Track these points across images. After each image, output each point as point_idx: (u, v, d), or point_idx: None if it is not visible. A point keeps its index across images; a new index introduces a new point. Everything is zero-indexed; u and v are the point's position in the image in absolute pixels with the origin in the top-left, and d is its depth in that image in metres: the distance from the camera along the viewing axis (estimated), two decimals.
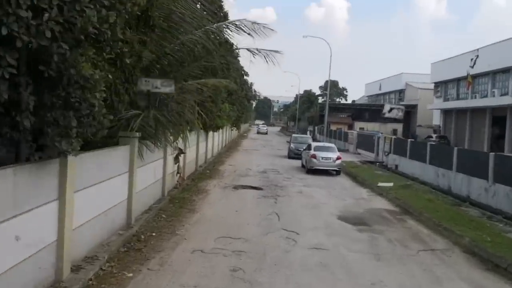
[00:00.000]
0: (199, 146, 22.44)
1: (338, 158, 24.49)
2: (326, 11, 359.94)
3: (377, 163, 30.39)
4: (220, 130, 33.21)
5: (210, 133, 25.66)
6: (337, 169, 24.64)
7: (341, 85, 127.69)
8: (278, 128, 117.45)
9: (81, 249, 7.82)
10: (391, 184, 19.83)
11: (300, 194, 17.80)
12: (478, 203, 17.14)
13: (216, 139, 31.67)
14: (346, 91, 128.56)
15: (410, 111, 67.97)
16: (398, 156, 28.57)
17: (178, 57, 12.68)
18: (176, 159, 16.01)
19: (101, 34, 5.70)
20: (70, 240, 7.06)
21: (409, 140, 27.31)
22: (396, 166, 28.63)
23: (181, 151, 16.03)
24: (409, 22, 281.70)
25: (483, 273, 9.18)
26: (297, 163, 28.73)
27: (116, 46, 6.68)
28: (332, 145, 27.24)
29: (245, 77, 40.15)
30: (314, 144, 26.70)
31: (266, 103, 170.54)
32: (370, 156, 35.89)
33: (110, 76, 7.82)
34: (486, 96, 46.66)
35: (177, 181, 16.54)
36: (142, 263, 8.48)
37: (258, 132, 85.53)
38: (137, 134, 10.57)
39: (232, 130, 44.67)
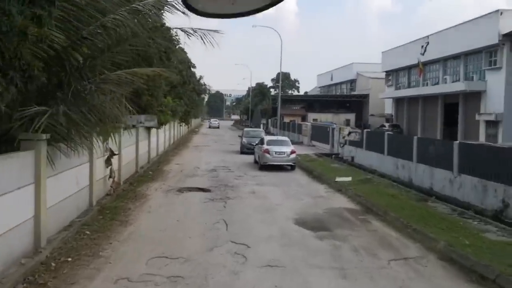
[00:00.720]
0: (139, 145, 20.28)
1: (292, 152, 22.92)
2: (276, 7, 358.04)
3: (333, 156, 29.11)
4: (166, 126, 31.06)
5: (153, 130, 23.50)
6: (292, 163, 23.08)
7: (293, 77, 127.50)
8: (231, 122, 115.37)
9: None
10: (349, 179, 18.41)
11: (253, 194, 16.05)
12: (443, 196, 15.96)
13: (162, 136, 29.47)
14: (298, 83, 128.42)
15: (362, 101, 67.74)
16: (354, 148, 27.36)
17: (99, 41, 10.58)
18: (108, 162, 13.89)
19: None
20: None
21: (365, 130, 26.15)
22: (352, 158, 27.43)
23: (112, 153, 13.92)
24: (357, 14, 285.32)
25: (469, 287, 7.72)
26: (250, 158, 27.01)
27: None
28: (286, 138, 25.67)
29: (192, 69, 38.01)
30: (266, 138, 25.04)
31: (218, 97, 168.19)
32: (325, 148, 34.66)
33: None
34: (437, 83, 46.47)
35: (111, 186, 14.42)
36: None
37: (210, 127, 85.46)
38: (44, 136, 8.48)
39: (180, 125, 42.43)
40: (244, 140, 31.91)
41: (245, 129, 36.41)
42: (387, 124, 53.52)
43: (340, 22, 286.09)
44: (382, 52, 60.12)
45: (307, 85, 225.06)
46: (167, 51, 18.38)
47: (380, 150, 23.08)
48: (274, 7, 2.43)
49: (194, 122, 76.11)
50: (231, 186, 17.68)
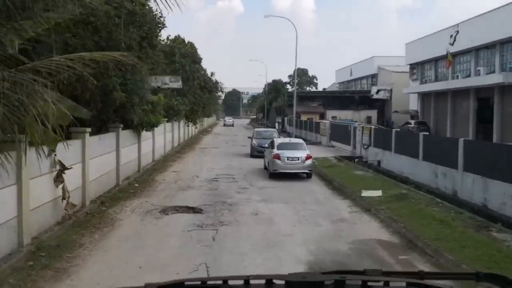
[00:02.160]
0: (124, 152, 16.81)
1: (308, 158, 19.20)
2: (292, 1, 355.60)
3: (356, 159, 25.26)
4: (167, 127, 27.63)
5: (145, 133, 20.02)
6: (308, 171, 19.37)
7: (310, 74, 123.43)
8: (248, 121, 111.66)
9: None
10: (379, 193, 14.63)
11: (255, 217, 12.42)
12: (504, 218, 12.11)
13: (161, 139, 26.02)
14: (316, 79, 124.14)
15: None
16: (381, 150, 23.50)
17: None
18: (58, 179, 10.42)
19: None
20: None
21: (394, 130, 22.30)
22: (379, 162, 23.58)
23: (63, 167, 10.44)
24: (376, 9, 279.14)
25: None
26: (260, 163, 23.36)
27: None
28: (300, 140, 21.83)
29: (200, 64, 34.47)
30: (277, 140, 21.21)
31: (235, 95, 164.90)
32: (346, 149, 30.83)
33: None
34: (469, 75, 42.17)
35: (65, 209, 10.95)
36: None
37: (225, 125, 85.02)
38: None
39: (188, 125, 39.01)
40: (255, 142, 28.27)
41: (256, 129, 32.62)
42: (412, 122, 49.34)
43: (358, 19, 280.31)
44: (406, 44, 55.89)
45: (326, 81, 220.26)
46: (148, 36, 14.83)
47: (414, 154, 19.24)
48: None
49: (207, 121, 72.77)
50: (230, 203, 14.07)
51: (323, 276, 1.71)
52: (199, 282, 1.74)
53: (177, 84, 16.95)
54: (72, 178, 11.59)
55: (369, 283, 1.72)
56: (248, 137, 30.72)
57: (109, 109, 14.01)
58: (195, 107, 37.77)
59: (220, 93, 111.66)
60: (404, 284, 1.75)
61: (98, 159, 13.77)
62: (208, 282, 1.75)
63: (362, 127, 27.47)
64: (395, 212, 12.03)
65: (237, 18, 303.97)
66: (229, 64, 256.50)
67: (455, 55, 43.65)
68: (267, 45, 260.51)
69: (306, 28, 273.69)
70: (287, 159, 19.03)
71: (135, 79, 14.52)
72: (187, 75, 30.06)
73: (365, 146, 25.71)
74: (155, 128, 23.20)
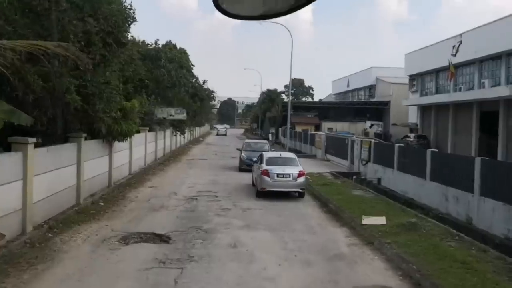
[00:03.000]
0: (84, 166, 14.48)
1: (300, 175, 16.96)
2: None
3: (354, 176, 23.07)
4: (148, 137, 25.39)
5: (119, 144, 17.76)
6: (300, 190, 17.13)
7: (307, 84, 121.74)
8: (242, 131, 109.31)
9: None
10: (383, 221, 12.41)
11: (233, 251, 10.15)
12: None
13: (140, 150, 23.79)
14: (313, 90, 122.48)
15: (383, 109, 61.52)
16: (382, 167, 21.35)
17: None
18: None
19: None
20: None
21: (397, 145, 20.11)
22: (379, 180, 21.42)
23: None
24: (373, 22, 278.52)
25: None
26: (249, 178, 21.11)
27: None
28: (292, 155, 19.48)
29: (186, 70, 32.32)
30: (267, 154, 18.85)
31: (230, 104, 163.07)
32: (343, 164, 28.67)
33: None
34: (472, 88, 40.21)
35: None
36: None
37: (218, 134, 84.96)
38: None
39: (175, 135, 36.73)
40: (244, 154, 26.04)
41: (246, 140, 30.30)
42: (411, 135, 47.34)
43: (355, 31, 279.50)
44: (406, 55, 54.02)
45: (322, 92, 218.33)
46: (114, 31, 12.61)
47: (420, 173, 17.09)
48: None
49: (199, 130, 70.54)
50: (206, 230, 11.82)
51: None
52: None
53: (182, 116, 17.34)
54: (8, 199, 9.38)
55: None
56: (237, 149, 28.46)
57: (65, 115, 11.76)
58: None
59: (214, 102, 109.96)
60: None
61: (48, 175, 11.50)
62: None
63: (361, 140, 25.30)
64: (405, 249, 9.80)
65: (234, 29, 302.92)
66: (225, 74, 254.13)
67: (457, 66, 41.74)
68: (263, 56, 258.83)
69: (303, 39, 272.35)
70: (277, 176, 16.80)
71: (99, 81, 12.30)
72: (173, 80, 27.85)
73: (364, 162, 23.55)
74: (133, 138, 21.08)
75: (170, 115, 15.85)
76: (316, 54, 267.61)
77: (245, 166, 25.15)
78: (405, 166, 18.69)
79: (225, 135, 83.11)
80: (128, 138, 17.43)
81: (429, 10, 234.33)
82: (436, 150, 17.87)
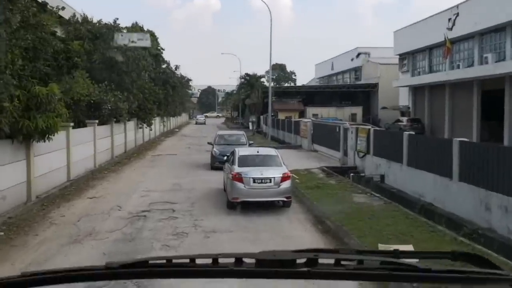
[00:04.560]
0: None
1: (285, 178, 12.59)
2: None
3: (350, 173, 18.81)
4: (98, 131, 20.83)
5: (42, 144, 13.18)
6: (285, 198, 12.76)
7: (289, 69, 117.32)
8: (223, 120, 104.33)
9: None
10: (409, 248, 8.10)
11: None
12: None
13: (88, 148, 19.23)
14: (295, 75, 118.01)
15: (369, 91, 57.49)
16: (386, 161, 17.14)
17: None
18: None
19: None
20: None
21: (408, 133, 15.75)
22: (382, 177, 17.24)
23: None
24: (352, 7, 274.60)
25: None
26: (221, 179, 16.85)
27: None
28: (272, 151, 14.63)
29: (147, 52, 27.59)
30: (239, 152, 14.04)
31: (211, 92, 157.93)
32: (334, 156, 24.47)
33: None
34: (472, 64, 36.20)
35: None
36: None
37: (197, 123, 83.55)
38: None
39: (140, 127, 32.07)
40: (216, 149, 21.58)
41: (218, 132, 25.57)
42: (404, 119, 43.30)
43: (336, 14, 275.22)
44: (394, 32, 49.81)
45: (305, 77, 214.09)
46: None
47: (442, 170, 12.92)
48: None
49: (175, 121, 65.70)
50: (138, 285, 7.40)
51: (295, 254, 1.60)
52: (164, 261, 1.55)
53: (145, 42, 13.80)
54: None
55: (342, 262, 1.61)
56: (209, 143, 23.91)
57: None
58: (149, 104, 30.91)
59: (193, 91, 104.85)
60: (378, 262, 1.65)
61: None
62: (174, 261, 1.56)
63: (356, 128, 20.99)
64: None
65: (213, 16, 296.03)
66: (204, 62, 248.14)
67: (454, 41, 37.68)
68: (243, 43, 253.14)
69: (283, 24, 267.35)
70: (254, 182, 12.43)
71: None
72: (129, 63, 23.18)
73: (361, 154, 19.33)
74: (73, 134, 16.60)
75: (132, 42, 14.10)
76: (297, 39, 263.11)
77: (217, 164, 20.72)
78: (419, 161, 14.48)
79: (204, 123, 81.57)
80: (51, 136, 12.83)
81: None
82: (467, 140, 13.48)
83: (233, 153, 14.35)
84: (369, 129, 19.27)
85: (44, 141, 12.73)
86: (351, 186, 15.77)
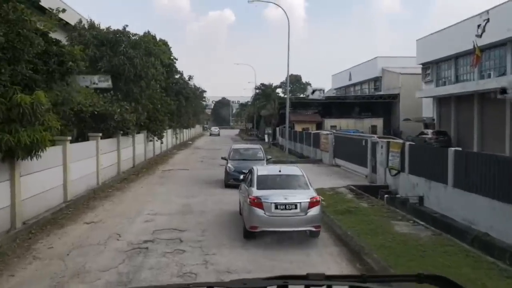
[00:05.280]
0: None
1: (313, 204, 10.51)
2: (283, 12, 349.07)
3: (384, 194, 16.65)
4: (102, 145, 19.03)
5: (32, 162, 11.31)
6: (313, 228, 10.67)
7: (304, 80, 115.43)
8: (237, 131, 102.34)
9: None
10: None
11: None
12: None
13: (89, 164, 17.40)
14: (310, 86, 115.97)
15: (391, 103, 55.14)
16: (425, 180, 14.98)
17: None
18: None
19: None
20: None
21: (454, 149, 13.59)
22: (421, 199, 15.06)
23: None
24: (367, 19, 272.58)
25: None
26: (237, 200, 14.91)
27: None
28: (296, 169, 12.52)
29: (155, 58, 25.82)
30: (258, 171, 11.89)
31: (225, 104, 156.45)
32: (360, 172, 22.37)
33: None
34: (504, 73, 33.84)
35: None
36: None
37: (211, 135, 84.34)
38: None
39: (151, 140, 30.29)
40: (230, 165, 19.60)
41: (233, 145, 23.44)
42: (429, 131, 41.00)
43: (349, 29, 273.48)
44: (417, 40, 47.65)
45: (322, 87, 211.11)
46: None
47: (503, 195, 10.73)
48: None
49: (188, 133, 63.92)
50: None
51: (265, 282, 1.68)
52: None
53: (106, 84, 11.17)
54: None
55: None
56: (222, 158, 21.90)
57: None
58: (160, 116, 29.13)
59: (207, 102, 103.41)
60: (346, 287, 1.75)
61: None
62: None
63: (388, 142, 18.86)
64: None
65: (228, 29, 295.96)
66: (218, 74, 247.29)
67: (483, 49, 35.41)
68: (258, 55, 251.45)
69: (297, 37, 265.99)
70: (276, 208, 10.39)
71: None
72: (137, 71, 21.40)
73: (394, 172, 17.17)
74: (70, 149, 14.83)
75: (94, 83, 11.64)
76: (312, 51, 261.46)
77: (232, 181, 18.83)
78: (469, 181, 12.32)
79: (218, 135, 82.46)
80: (40, 152, 10.97)
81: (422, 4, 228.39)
82: None
83: (250, 172, 12.34)
84: (403, 143, 17.12)
85: (31, 158, 10.86)
86: (388, 210, 13.62)
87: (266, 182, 11.22)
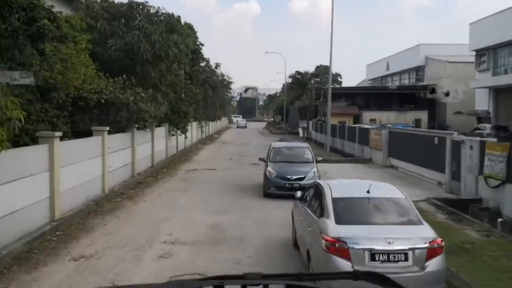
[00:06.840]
0: None
1: (432, 252, 6.26)
2: (309, 2, 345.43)
3: (479, 210, 12.23)
4: (111, 141, 15.11)
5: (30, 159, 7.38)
6: None
7: (334, 71, 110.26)
8: (264, 124, 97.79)
9: None
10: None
11: None
12: None
13: (91, 167, 13.45)
14: (341, 77, 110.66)
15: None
16: None
17: None
18: None
19: None
20: None
21: None
22: None
23: None
24: (395, 11, 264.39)
25: None
26: (283, 216, 10.95)
27: None
28: (390, 187, 7.96)
29: (178, 36, 21.57)
30: (332, 188, 7.53)
31: (251, 96, 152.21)
32: (426, 176, 18.04)
33: None
34: None
35: None
36: None
37: (238, 127, 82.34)
38: None
39: (174, 134, 26.32)
40: (271, 169, 15.30)
41: (274, 144, 18.65)
42: (486, 126, 35.90)
43: (377, 20, 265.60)
44: (471, 24, 42.43)
45: (352, 80, 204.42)
46: None
47: None
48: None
49: (213, 125, 59.94)
50: None
51: (201, 282, 1.66)
52: None
53: (28, 80, 5.71)
54: None
55: (248, 287, 1.66)
56: (260, 159, 17.54)
57: None
58: (183, 106, 25.06)
59: (232, 94, 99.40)
60: (282, 286, 1.74)
61: None
62: None
63: (480, 141, 14.37)
64: None
65: (254, 20, 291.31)
66: (245, 65, 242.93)
67: None
68: (284, 46, 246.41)
69: (324, 30, 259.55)
70: (373, 259, 6.17)
71: None
72: (154, 50, 17.29)
73: (496, 183, 12.67)
74: (64, 148, 10.82)
75: (15, 80, 7.13)
76: (340, 42, 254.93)
77: (273, 190, 14.71)
78: None
79: (245, 127, 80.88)
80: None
81: None
82: None
83: (316, 190, 8.08)
84: (508, 144, 12.68)
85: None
86: (498, 240, 9.22)
87: (350, 212, 6.96)
